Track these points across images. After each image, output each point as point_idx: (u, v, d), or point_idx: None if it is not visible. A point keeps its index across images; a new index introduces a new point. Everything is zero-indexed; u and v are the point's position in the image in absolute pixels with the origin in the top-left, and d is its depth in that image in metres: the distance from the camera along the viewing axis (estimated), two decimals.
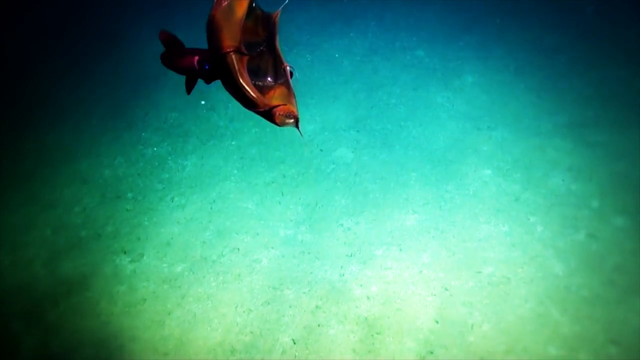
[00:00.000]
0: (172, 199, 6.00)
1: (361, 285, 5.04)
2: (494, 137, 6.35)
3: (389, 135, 6.56)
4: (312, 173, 6.20)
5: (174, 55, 3.29)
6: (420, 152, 6.30)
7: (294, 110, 2.88)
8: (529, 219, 5.44)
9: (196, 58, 3.13)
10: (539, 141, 6.25)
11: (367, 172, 6.14)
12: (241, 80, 2.78)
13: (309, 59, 7.68)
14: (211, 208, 5.89)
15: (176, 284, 5.21)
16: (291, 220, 5.72)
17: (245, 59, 2.81)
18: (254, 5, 2.89)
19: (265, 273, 5.25)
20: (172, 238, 5.62)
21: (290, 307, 4.95)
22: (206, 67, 3.08)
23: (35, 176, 6.29)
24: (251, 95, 2.79)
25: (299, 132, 2.99)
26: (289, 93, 2.95)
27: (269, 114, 2.86)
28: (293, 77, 2.99)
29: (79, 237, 5.71)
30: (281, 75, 2.99)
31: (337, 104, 7.04)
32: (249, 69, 2.85)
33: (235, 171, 6.28)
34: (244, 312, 4.94)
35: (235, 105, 6.91)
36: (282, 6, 2.89)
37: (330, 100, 7.08)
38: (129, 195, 6.07)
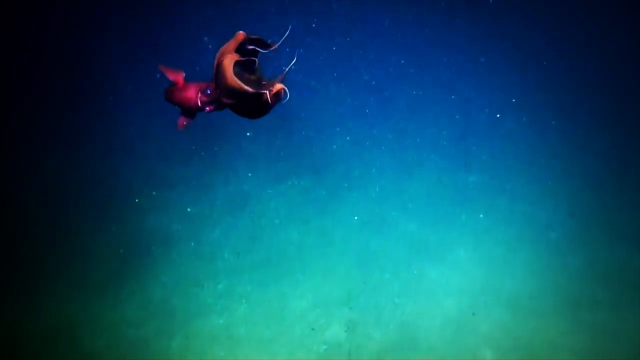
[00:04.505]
0: None
1: None
2: (492, 317, 6.13)
3: (383, 312, 6.35)
4: (304, 354, 5.91)
5: (178, 89, 3.72)
6: (416, 332, 6.06)
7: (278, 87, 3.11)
8: None
9: (199, 87, 3.60)
10: (538, 321, 6.03)
11: (361, 354, 5.86)
12: (228, 73, 3.04)
13: (299, 232, 7.64)
14: None
15: None
16: None
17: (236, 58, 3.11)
18: (256, 66, 3.26)
19: None
20: None
21: None
22: (208, 91, 3.52)
23: None
24: (242, 86, 3.00)
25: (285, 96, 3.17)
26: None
27: (261, 99, 3.07)
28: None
29: None
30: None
31: (329, 279, 6.86)
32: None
33: (222, 353, 5.96)
34: None
35: (223, 281, 6.76)
36: (284, 73, 3.12)
37: (321, 275, 6.92)
38: None
